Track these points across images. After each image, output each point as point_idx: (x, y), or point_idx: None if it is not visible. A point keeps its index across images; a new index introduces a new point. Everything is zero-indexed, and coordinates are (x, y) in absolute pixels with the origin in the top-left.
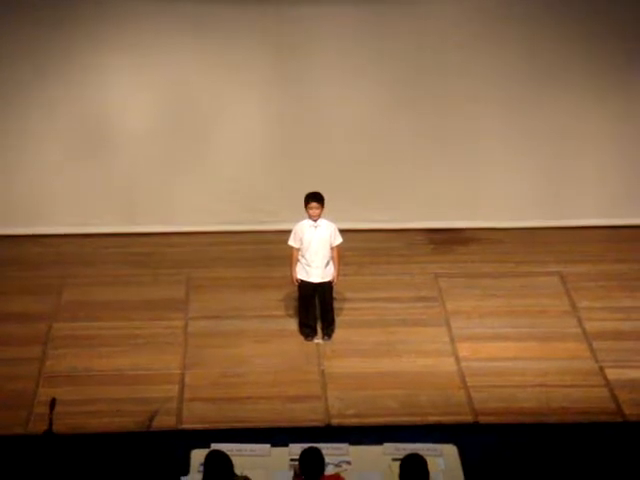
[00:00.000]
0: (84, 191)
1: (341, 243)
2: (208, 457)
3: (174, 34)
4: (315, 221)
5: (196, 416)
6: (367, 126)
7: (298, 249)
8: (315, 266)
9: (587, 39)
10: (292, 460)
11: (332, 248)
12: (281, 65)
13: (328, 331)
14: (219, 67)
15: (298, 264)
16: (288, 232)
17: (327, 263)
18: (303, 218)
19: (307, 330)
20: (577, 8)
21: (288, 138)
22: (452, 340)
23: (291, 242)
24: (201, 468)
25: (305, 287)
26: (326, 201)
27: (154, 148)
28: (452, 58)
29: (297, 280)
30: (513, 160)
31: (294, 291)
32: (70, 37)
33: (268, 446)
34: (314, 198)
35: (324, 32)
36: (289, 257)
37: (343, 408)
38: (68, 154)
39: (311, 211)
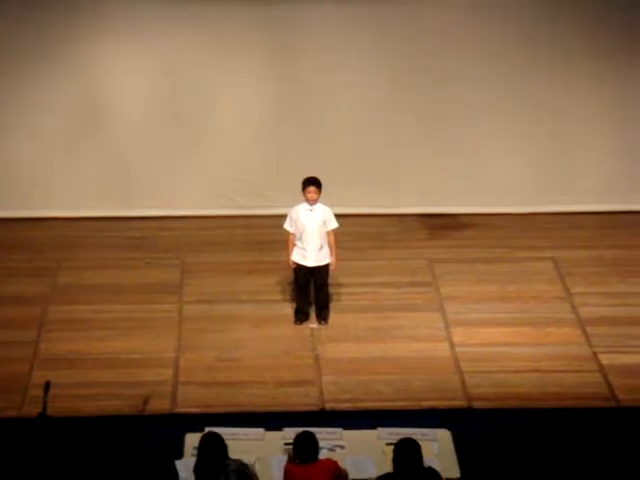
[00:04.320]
0: (80, 175)
1: (337, 227)
2: (203, 439)
3: (171, 18)
4: (311, 205)
5: (190, 400)
6: (364, 111)
7: (294, 233)
8: (310, 250)
9: (587, 24)
10: (286, 444)
11: (328, 232)
12: (279, 49)
13: (323, 315)
14: (216, 51)
15: (294, 248)
16: (283, 217)
17: (322, 247)
18: (298, 202)
19: (299, 315)
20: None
21: (284, 123)
22: (446, 325)
23: (286, 226)
24: (195, 452)
25: (301, 271)
26: (322, 186)
27: (150, 132)
28: (450, 43)
29: (293, 263)
30: (508, 146)
31: (289, 275)
32: (68, 21)
33: (262, 430)
34: (312, 182)
35: (320, 24)
36: (284, 241)
37: (337, 393)
38: (63, 138)
39: (309, 195)
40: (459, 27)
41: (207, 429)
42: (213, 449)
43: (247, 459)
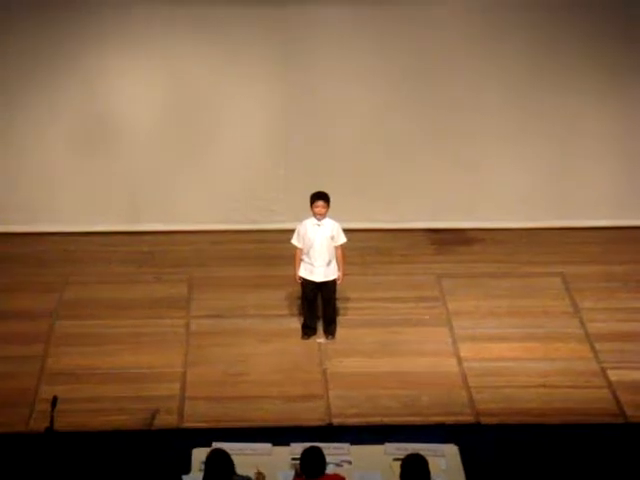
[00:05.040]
0: (88, 189)
1: (345, 242)
2: (209, 456)
3: (178, 34)
4: (319, 220)
5: (198, 415)
6: (371, 126)
7: (301, 248)
8: (318, 265)
9: (592, 38)
10: (293, 459)
11: (336, 247)
12: (284, 66)
13: (330, 330)
14: (222, 68)
15: (301, 263)
16: (291, 231)
17: (330, 262)
18: (306, 217)
19: (306, 329)
20: (579, 8)
21: (291, 138)
22: (454, 340)
23: (294, 241)
24: (202, 467)
25: (308, 286)
26: (330, 200)
27: (157, 147)
28: (455, 58)
29: (299, 279)
30: (516, 161)
31: (296, 290)
32: (74, 37)
33: (269, 445)
34: (320, 197)
35: (328, 33)
36: (292, 256)
37: (344, 407)
38: (72, 152)
39: (317, 209)
40: (467, 41)
41: (214, 444)
42: (220, 466)
43: (252, 474)
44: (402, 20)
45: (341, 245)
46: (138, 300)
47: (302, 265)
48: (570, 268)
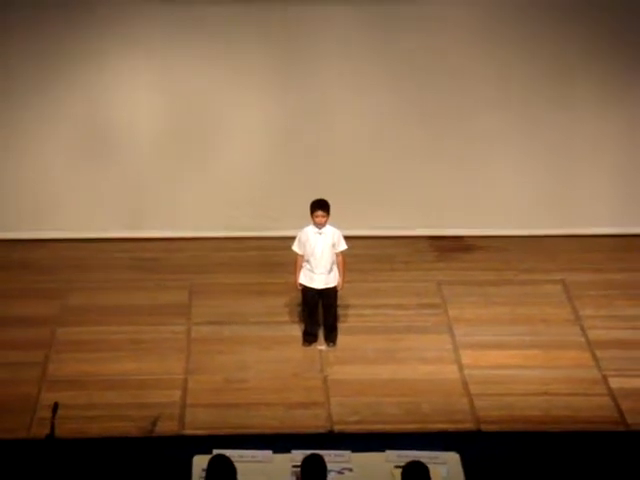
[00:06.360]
0: (89, 196)
1: (346, 249)
2: (211, 461)
3: (179, 37)
4: (320, 229)
5: (198, 422)
6: (371, 132)
7: (302, 255)
8: (319, 272)
9: (596, 41)
10: (294, 467)
11: (337, 254)
12: (285, 71)
13: (331, 337)
14: (223, 73)
15: (302, 270)
16: (292, 238)
17: (331, 269)
18: (307, 224)
19: (307, 337)
20: (583, 10)
21: (292, 144)
22: (455, 347)
23: (295, 248)
24: (203, 474)
25: (308, 293)
26: (330, 208)
27: (159, 154)
28: (457, 62)
29: (300, 285)
30: (517, 168)
31: (297, 297)
32: (74, 40)
33: (270, 452)
34: (320, 206)
35: (329, 36)
36: (293, 263)
37: (345, 415)
38: (73, 159)
39: (317, 219)
40: (470, 45)
41: (215, 451)
42: (221, 472)
43: None
44: (404, 24)
45: (342, 252)
46: (139, 307)
47: (303, 272)
48: (571, 276)
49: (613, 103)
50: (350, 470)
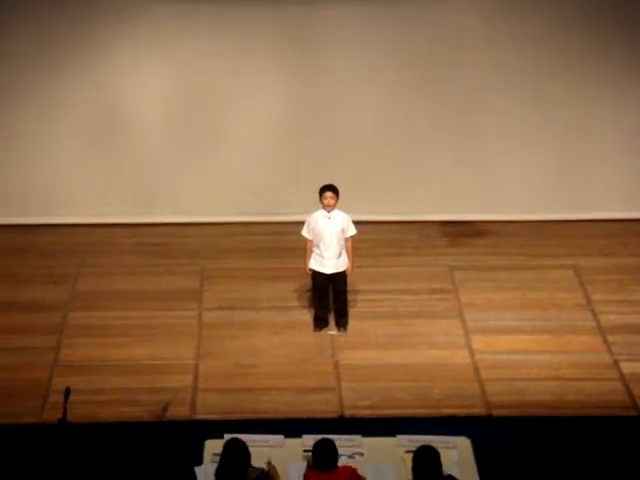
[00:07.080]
0: (99, 181)
1: (355, 234)
2: (227, 444)
3: (190, 28)
4: (329, 212)
5: (210, 406)
6: (383, 118)
7: (311, 240)
8: (328, 257)
9: (601, 32)
10: (305, 451)
11: (346, 239)
12: (296, 56)
13: (342, 322)
14: (233, 58)
15: (312, 255)
16: (302, 223)
17: (340, 254)
18: (316, 209)
19: (318, 322)
20: (590, 2)
21: (302, 129)
22: (466, 332)
23: (304, 233)
24: (214, 458)
25: (318, 278)
26: (340, 193)
27: (168, 139)
28: (467, 52)
29: (310, 270)
30: (528, 153)
31: (308, 282)
32: (85, 29)
33: (281, 437)
34: (329, 188)
35: (340, 27)
36: (303, 248)
37: (356, 400)
38: (83, 144)
39: (326, 201)
40: (477, 37)
41: (226, 436)
42: (236, 455)
43: (264, 464)
44: (413, 17)
45: (351, 237)
46: (150, 292)
47: (312, 257)
48: (582, 260)
49: (622, 90)
50: (361, 454)
